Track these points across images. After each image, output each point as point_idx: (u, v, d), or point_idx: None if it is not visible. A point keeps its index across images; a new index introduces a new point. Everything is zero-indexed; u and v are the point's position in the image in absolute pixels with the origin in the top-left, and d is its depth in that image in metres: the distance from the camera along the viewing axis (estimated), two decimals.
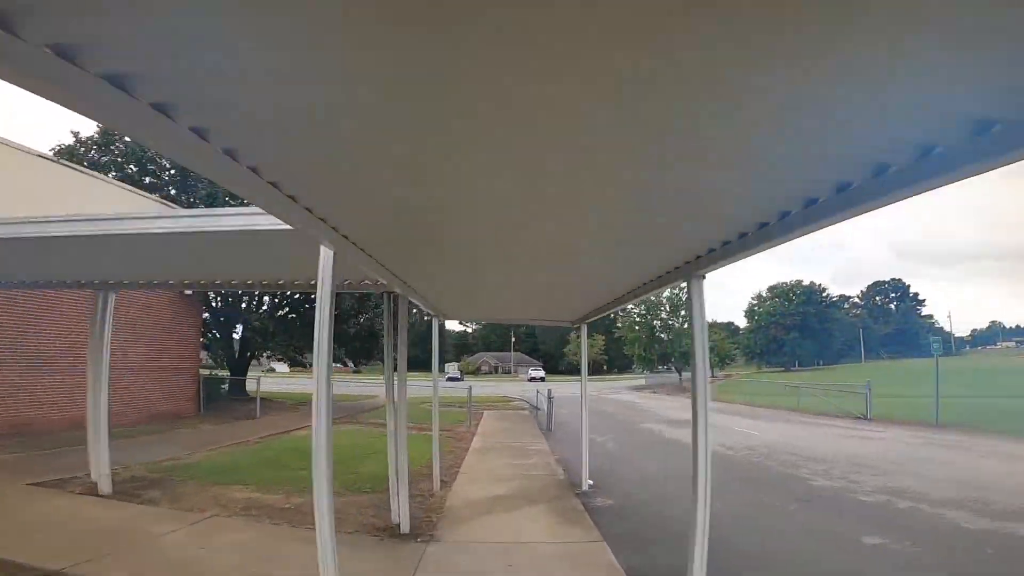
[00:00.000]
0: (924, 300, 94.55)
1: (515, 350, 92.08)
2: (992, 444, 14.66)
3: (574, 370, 58.36)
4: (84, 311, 11.11)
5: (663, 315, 55.25)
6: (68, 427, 12.81)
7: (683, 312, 48.78)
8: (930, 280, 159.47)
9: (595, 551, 6.17)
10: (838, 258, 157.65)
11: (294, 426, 16.46)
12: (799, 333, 70.33)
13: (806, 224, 2.78)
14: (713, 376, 47.79)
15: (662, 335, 55.16)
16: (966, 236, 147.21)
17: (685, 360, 42.48)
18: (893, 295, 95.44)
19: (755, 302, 76.17)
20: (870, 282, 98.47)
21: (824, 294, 76.73)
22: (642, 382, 56.62)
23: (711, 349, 38.39)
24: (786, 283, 75.20)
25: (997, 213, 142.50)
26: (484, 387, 38.53)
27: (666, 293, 49.90)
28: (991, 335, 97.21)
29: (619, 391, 45.00)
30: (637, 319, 55.65)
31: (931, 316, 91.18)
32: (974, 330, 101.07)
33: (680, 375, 51.08)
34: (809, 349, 71.15)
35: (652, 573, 5.68)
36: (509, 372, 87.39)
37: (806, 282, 75.56)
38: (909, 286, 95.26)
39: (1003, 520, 7.50)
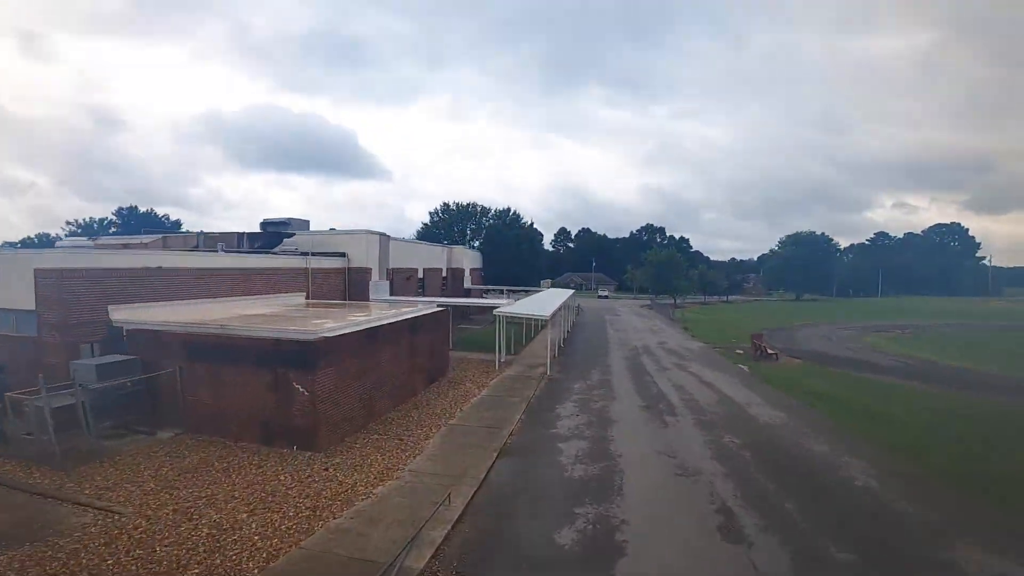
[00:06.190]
0: None
1: (595, 271, 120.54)
2: None
3: (634, 288, 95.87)
4: None
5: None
6: None
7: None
8: None
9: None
10: None
11: None
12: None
13: None
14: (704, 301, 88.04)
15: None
16: None
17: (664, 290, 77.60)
18: None
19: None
20: None
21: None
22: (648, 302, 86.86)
23: (697, 279, 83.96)
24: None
25: None
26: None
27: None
28: None
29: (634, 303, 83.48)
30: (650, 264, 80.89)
31: None
32: None
33: (675, 300, 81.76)
34: None
35: None
36: (590, 288, 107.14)
37: None
38: None
39: None
